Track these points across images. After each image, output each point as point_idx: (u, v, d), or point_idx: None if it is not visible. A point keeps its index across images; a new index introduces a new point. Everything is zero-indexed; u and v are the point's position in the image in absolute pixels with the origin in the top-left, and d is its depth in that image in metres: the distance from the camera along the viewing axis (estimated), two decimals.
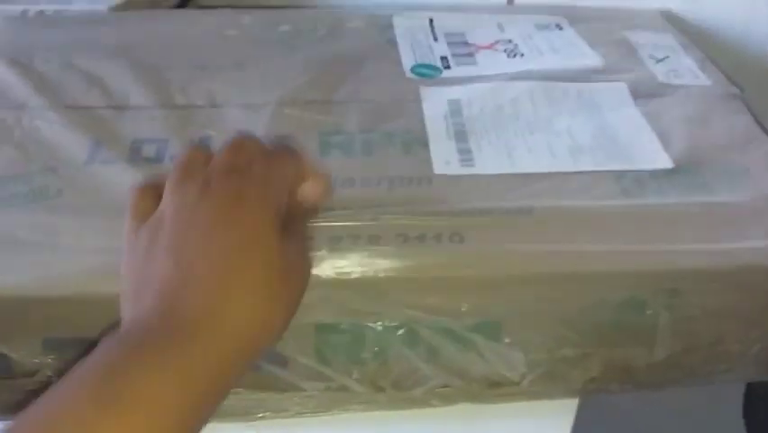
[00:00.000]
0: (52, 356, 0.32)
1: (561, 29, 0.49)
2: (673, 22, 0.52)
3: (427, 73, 0.43)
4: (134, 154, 0.37)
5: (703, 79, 0.44)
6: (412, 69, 0.44)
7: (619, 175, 0.36)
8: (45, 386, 0.32)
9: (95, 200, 0.34)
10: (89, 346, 0.25)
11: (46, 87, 0.41)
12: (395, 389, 0.35)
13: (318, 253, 0.31)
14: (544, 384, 0.35)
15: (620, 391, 0.37)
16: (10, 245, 0.32)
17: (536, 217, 0.34)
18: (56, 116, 0.39)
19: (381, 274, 0.31)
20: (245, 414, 0.35)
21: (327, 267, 0.31)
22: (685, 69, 0.44)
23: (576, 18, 0.50)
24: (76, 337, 0.32)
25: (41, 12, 0.52)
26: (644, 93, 0.42)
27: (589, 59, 0.45)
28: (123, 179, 0.35)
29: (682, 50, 0.47)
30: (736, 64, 0.52)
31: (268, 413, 0.35)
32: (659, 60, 0.45)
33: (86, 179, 0.35)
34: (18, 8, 0.52)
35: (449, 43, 0.47)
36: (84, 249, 0.32)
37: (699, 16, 0.52)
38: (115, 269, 0.28)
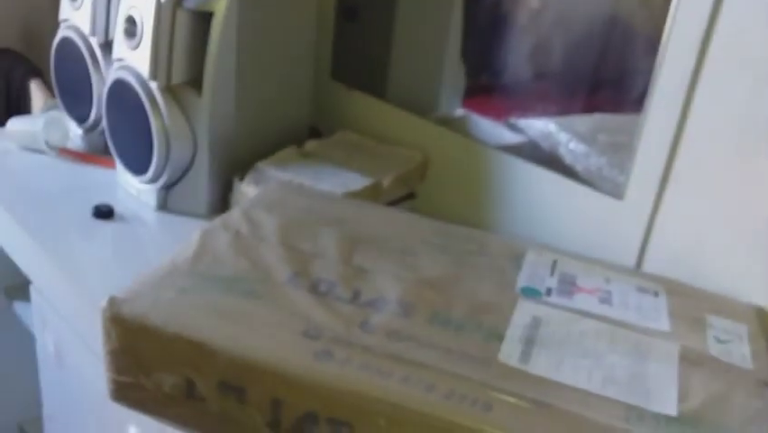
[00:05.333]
0: (220, 393, 0.50)
1: (656, 296, 0.61)
2: (763, 317, 0.62)
3: (530, 293, 0.59)
4: (314, 287, 0.56)
5: (748, 364, 0.54)
6: (521, 288, 0.59)
7: (630, 408, 0.48)
8: (208, 413, 0.51)
9: (275, 306, 0.54)
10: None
11: (281, 230, 0.63)
12: None
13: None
14: None
15: None
16: (218, 314, 0.52)
17: (552, 414, 0.47)
18: (279, 249, 0.60)
19: (421, 414, 0.46)
20: None
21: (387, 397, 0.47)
22: (738, 353, 0.55)
23: (676, 291, 0.63)
24: (239, 386, 0.50)
25: (301, 183, 0.76)
26: (691, 359, 0.53)
27: (661, 323, 0.57)
28: (301, 299, 0.54)
29: (747, 340, 0.57)
30: None
31: None
32: (721, 341, 0.56)
33: (280, 293, 0.55)
34: (288, 177, 0.77)
35: (559, 280, 0.62)
36: (254, 330, 0.51)
37: None
38: (263, 346, 0.47)
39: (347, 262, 0.60)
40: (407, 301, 0.56)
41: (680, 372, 0.52)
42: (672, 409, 0.48)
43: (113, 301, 0.52)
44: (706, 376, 0.52)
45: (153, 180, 0.81)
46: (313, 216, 0.67)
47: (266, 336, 0.51)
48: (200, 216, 0.82)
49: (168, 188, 0.82)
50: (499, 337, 0.53)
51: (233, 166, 0.82)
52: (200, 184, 0.82)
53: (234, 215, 0.66)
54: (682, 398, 0.49)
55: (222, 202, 0.83)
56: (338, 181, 0.77)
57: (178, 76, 0.77)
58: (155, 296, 0.53)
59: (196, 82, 0.78)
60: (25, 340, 0.94)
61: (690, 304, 0.61)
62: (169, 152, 0.79)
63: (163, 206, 0.83)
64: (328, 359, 0.49)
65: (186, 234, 0.82)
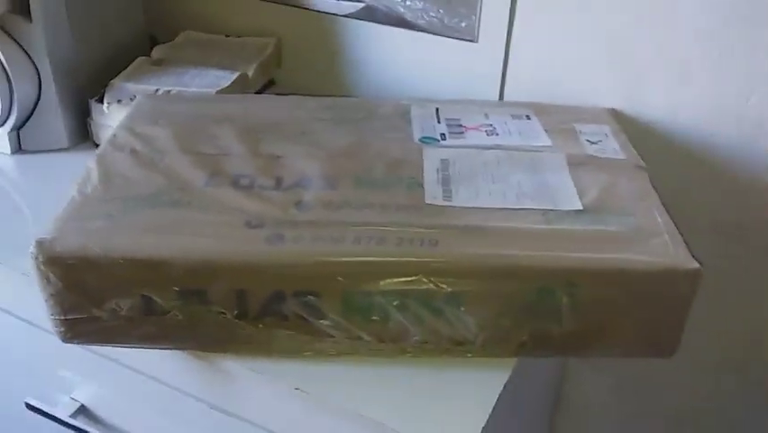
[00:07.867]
0: (182, 300, 0.52)
1: (528, 118, 0.69)
2: (616, 116, 0.72)
3: (429, 141, 0.64)
4: (235, 183, 0.57)
5: (620, 155, 0.63)
6: (419, 139, 0.64)
7: (545, 212, 0.55)
8: (174, 323, 0.52)
9: (207, 208, 0.54)
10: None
11: (177, 138, 0.63)
12: (392, 342, 0.54)
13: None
14: (490, 345, 0.54)
15: (544, 354, 0.55)
16: (156, 229, 0.52)
17: (487, 233, 0.53)
18: (185, 157, 0.60)
19: (382, 264, 0.51)
20: (296, 351, 0.54)
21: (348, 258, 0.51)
22: (609, 149, 0.64)
23: (541, 111, 0.70)
24: (198, 289, 0.51)
25: (168, 91, 0.74)
26: (576, 162, 0.62)
27: (542, 140, 0.65)
28: (228, 196, 0.56)
29: (612, 136, 0.66)
30: (661, 144, 0.71)
31: (310, 352, 0.54)
32: (593, 143, 0.65)
33: (206, 195, 0.56)
34: (152, 88, 0.75)
35: (447, 125, 0.67)
36: (199, 233, 0.52)
37: (636, 112, 0.72)
38: (215, 245, 0.49)
39: (256, 154, 0.61)
40: (329, 175, 0.59)
41: (572, 174, 0.60)
42: (577, 205, 0.56)
43: (41, 244, 0.50)
44: (593, 172, 0.60)
45: (1, 124, 0.75)
46: (201, 119, 0.66)
47: (212, 236, 0.52)
48: (63, 150, 0.78)
49: (19, 128, 0.77)
50: (420, 185, 0.58)
51: (84, 90, 0.77)
52: (54, 116, 0.77)
53: (120, 135, 0.64)
54: (582, 194, 0.57)
55: (82, 130, 0.79)
56: (204, 82, 0.76)
57: (2, 5, 0.70)
58: (84, 228, 0.52)
59: (23, 9, 0.71)
60: None
61: (558, 119, 0.69)
62: (12, 89, 0.73)
63: (18, 148, 0.78)
64: (281, 241, 0.51)
65: (54, 172, 0.78)
